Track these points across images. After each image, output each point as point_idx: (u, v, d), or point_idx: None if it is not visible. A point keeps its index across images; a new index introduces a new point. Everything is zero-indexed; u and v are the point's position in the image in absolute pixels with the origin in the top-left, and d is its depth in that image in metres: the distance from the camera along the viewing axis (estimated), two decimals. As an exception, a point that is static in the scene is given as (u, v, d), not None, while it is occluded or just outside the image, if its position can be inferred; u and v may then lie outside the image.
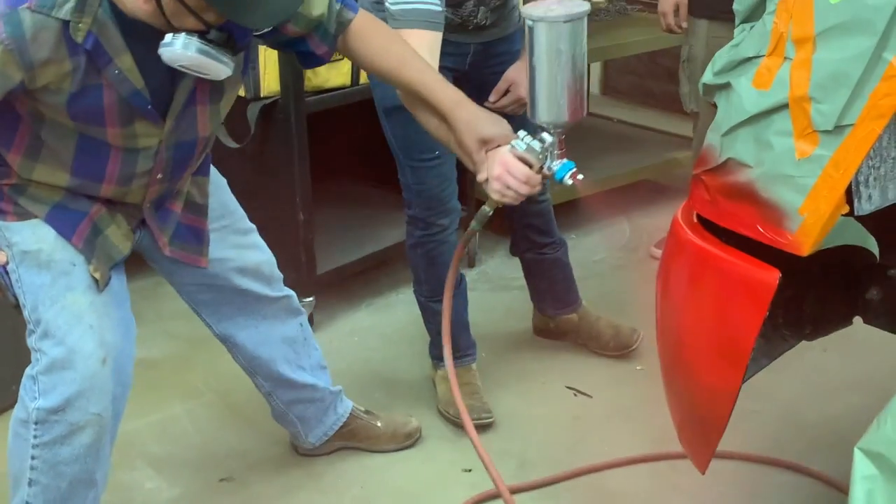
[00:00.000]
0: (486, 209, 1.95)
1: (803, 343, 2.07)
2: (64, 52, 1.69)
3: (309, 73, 2.93)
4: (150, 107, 1.84)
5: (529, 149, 1.84)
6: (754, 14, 1.67)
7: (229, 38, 1.73)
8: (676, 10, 3.20)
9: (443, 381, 2.76)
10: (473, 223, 2.01)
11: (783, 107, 1.49)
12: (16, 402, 2.67)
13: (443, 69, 2.23)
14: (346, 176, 3.72)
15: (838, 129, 1.42)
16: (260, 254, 2.29)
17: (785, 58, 1.51)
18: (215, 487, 2.47)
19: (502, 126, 1.88)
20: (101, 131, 1.83)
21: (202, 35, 1.69)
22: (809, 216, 1.47)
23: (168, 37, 1.69)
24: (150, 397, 2.81)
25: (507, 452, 2.57)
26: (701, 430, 1.83)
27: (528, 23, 1.82)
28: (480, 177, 1.89)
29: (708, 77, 1.68)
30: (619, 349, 2.96)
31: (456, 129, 1.89)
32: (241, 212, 2.28)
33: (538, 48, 1.82)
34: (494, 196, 1.88)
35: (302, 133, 2.96)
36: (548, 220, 2.89)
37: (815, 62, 1.45)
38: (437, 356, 2.78)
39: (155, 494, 2.45)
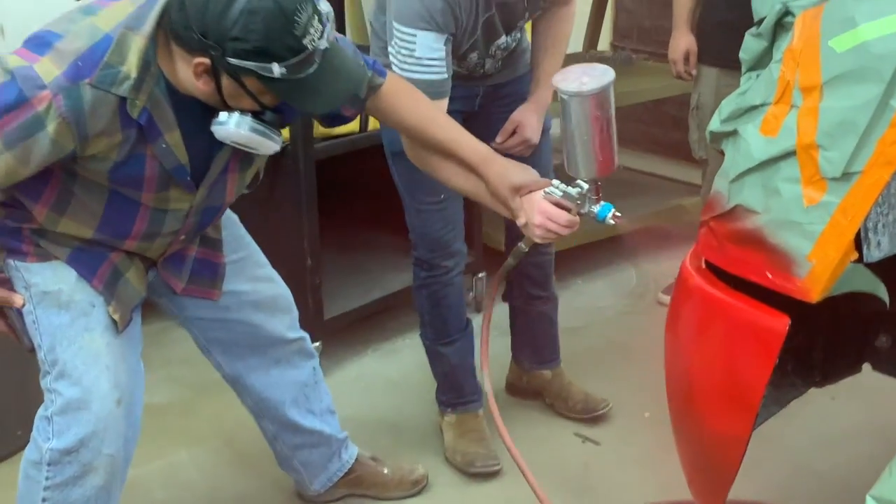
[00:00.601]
0: (523, 247, 2.09)
1: (812, 390, 2.07)
2: (117, 126, 1.73)
3: (316, 120, 2.95)
4: (188, 178, 1.88)
5: (566, 195, 1.97)
6: (761, 62, 1.69)
7: (280, 117, 1.81)
8: (687, 58, 3.22)
9: (450, 428, 2.75)
10: (510, 259, 2.14)
11: (791, 154, 1.50)
12: (20, 447, 2.70)
13: (453, 112, 2.28)
14: (354, 221, 3.72)
15: (846, 175, 1.43)
16: (276, 287, 2.30)
17: (792, 105, 1.52)
18: (220, 534, 2.46)
19: (530, 173, 2.00)
20: (136, 194, 1.87)
21: (256, 114, 1.76)
22: (818, 263, 1.48)
23: (223, 115, 1.75)
24: (155, 443, 2.80)
25: (515, 501, 2.55)
26: (711, 478, 1.82)
27: (563, 96, 1.91)
28: (520, 221, 2.00)
29: (715, 124, 1.70)
30: (586, 412, 2.91)
31: (489, 180, 2.00)
32: (255, 245, 2.29)
33: (574, 117, 1.91)
34: (537, 239, 2.02)
35: (310, 179, 2.97)
36: (546, 273, 2.88)
37: (822, 110, 1.46)
38: (443, 402, 2.77)
39: (160, 541, 2.43)
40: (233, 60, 1.64)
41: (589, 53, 4.54)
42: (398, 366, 3.23)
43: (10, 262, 1.93)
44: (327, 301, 3.12)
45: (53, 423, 1.90)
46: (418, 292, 2.70)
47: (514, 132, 2.59)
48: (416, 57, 2.25)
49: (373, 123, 3.09)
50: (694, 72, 3.24)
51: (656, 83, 4.06)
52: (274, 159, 2.92)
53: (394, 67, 2.28)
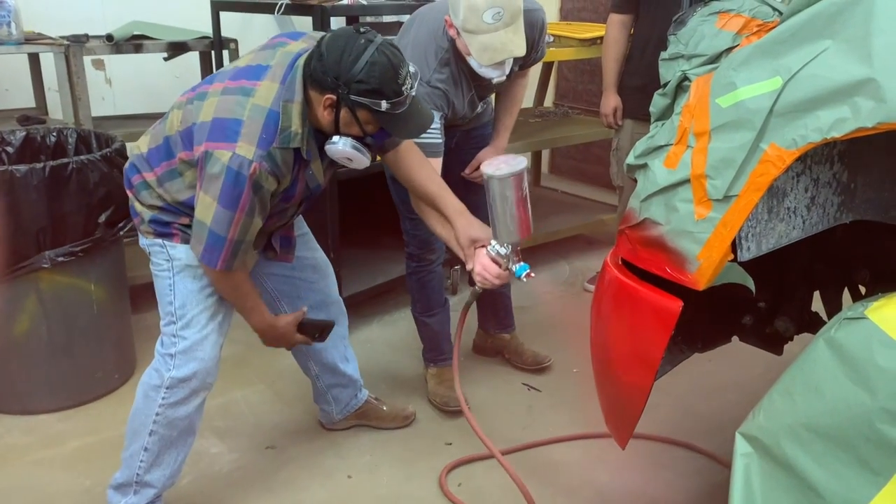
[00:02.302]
0: (477, 289, 2.03)
1: (695, 354, 2.06)
2: (291, 166, 1.82)
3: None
4: (319, 187, 1.96)
5: (498, 254, 1.93)
6: (665, 114, 1.67)
7: (373, 142, 1.88)
8: (615, 113, 3.21)
9: (431, 378, 2.72)
10: (469, 298, 2.07)
11: (686, 181, 1.49)
12: (112, 390, 2.67)
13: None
14: (365, 227, 3.70)
15: (727, 198, 1.41)
16: (324, 258, 2.33)
17: (688, 146, 1.50)
18: (263, 453, 2.42)
19: (487, 231, 1.96)
20: (283, 208, 1.95)
21: (358, 139, 1.82)
22: (705, 261, 1.46)
23: (335, 138, 1.82)
24: (216, 385, 2.73)
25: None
26: (622, 417, 1.80)
27: (485, 177, 1.85)
28: (468, 266, 2.01)
29: (631, 159, 1.68)
30: (534, 365, 2.89)
31: (456, 229, 2.02)
32: (302, 220, 2.26)
33: (493, 194, 1.85)
34: (477, 285, 2.00)
35: (334, 195, 2.94)
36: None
37: (710, 150, 1.45)
38: (428, 358, 2.75)
39: (218, 458, 2.39)
40: (354, 97, 1.73)
41: (538, 109, 4.52)
42: (396, 332, 3.20)
43: (159, 240, 1.95)
44: (345, 284, 3.08)
45: (176, 359, 1.95)
46: (409, 278, 2.67)
47: (478, 167, 2.57)
48: None
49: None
50: (621, 123, 3.23)
51: (586, 130, 4.04)
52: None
53: None
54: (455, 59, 2.25)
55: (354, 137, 1.82)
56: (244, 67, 1.86)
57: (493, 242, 1.94)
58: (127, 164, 2.00)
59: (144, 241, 2.00)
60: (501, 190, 1.84)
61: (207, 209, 1.77)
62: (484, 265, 1.95)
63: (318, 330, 2.15)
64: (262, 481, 2.29)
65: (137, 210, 1.98)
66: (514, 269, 1.93)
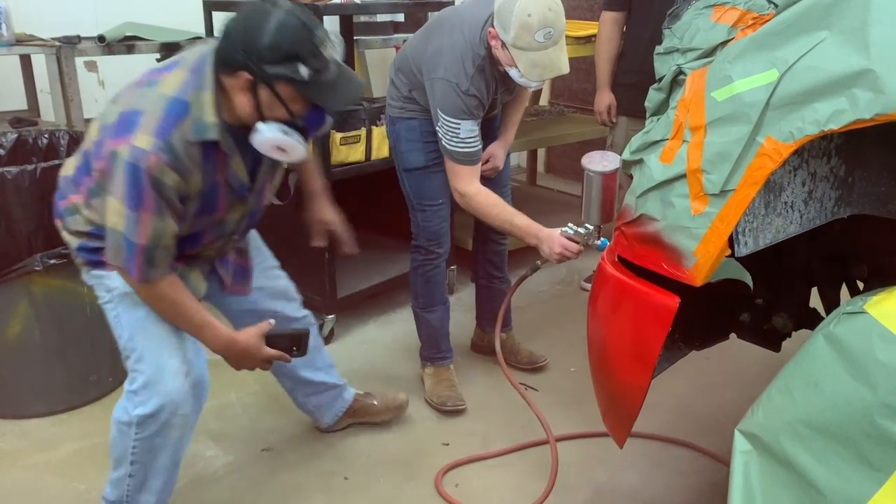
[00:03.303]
0: (539, 263, 2.27)
1: (693, 352, 2.05)
2: (200, 163, 1.67)
3: (333, 150, 2.90)
4: (246, 193, 1.82)
5: (577, 233, 2.19)
6: (660, 109, 1.65)
7: (303, 128, 1.75)
8: (609, 110, 3.21)
9: (428, 377, 2.70)
10: (528, 271, 2.28)
11: (682, 176, 1.47)
12: (106, 393, 2.63)
13: None
14: (360, 226, 3.67)
15: (723, 192, 1.39)
16: (285, 281, 2.22)
17: (683, 140, 1.48)
18: (258, 455, 2.40)
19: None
20: (210, 219, 1.81)
21: (287, 123, 1.69)
22: (701, 257, 1.44)
23: (259, 125, 1.67)
24: (211, 388, 2.72)
25: (475, 431, 2.52)
26: (620, 416, 1.79)
27: (588, 172, 2.08)
28: (543, 249, 2.24)
29: (626, 155, 1.66)
30: (530, 364, 2.88)
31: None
32: (267, 251, 2.19)
33: (594, 186, 2.09)
34: (556, 260, 2.23)
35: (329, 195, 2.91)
36: (503, 259, 2.85)
37: (706, 144, 1.43)
38: (425, 357, 2.73)
39: (213, 461, 2.37)
40: (268, 68, 1.58)
41: (533, 108, 4.51)
42: (392, 332, 3.18)
43: (94, 272, 1.82)
44: (340, 284, 3.07)
45: (137, 396, 1.81)
46: (414, 272, 2.65)
47: (486, 160, 2.61)
48: (461, 137, 2.29)
49: (375, 154, 3.04)
50: (615, 120, 3.22)
51: (581, 129, 4.04)
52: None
53: (443, 142, 2.33)
54: (489, 66, 2.29)
55: (282, 122, 1.68)
56: (160, 65, 1.74)
57: (570, 225, 2.21)
58: (56, 191, 1.86)
59: (84, 275, 1.87)
60: (601, 182, 2.07)
61: (116, 214, 1.63)
62: (564, 244, 2.19)
63: (292, 342, 1.95)
64: (257, 484, 2.26)
65: (66, 240, 1.84)
66: (597, 243, 2.18)
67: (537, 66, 2.17)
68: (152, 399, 1.80)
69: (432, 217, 2.54)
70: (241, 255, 2.06)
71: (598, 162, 2.10)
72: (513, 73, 2.22)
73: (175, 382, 1.81)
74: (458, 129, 2.28)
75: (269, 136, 1.67)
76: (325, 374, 2.38)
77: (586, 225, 2.18)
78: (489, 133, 2.64)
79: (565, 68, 2.22)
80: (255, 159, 1.80)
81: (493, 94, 2.38)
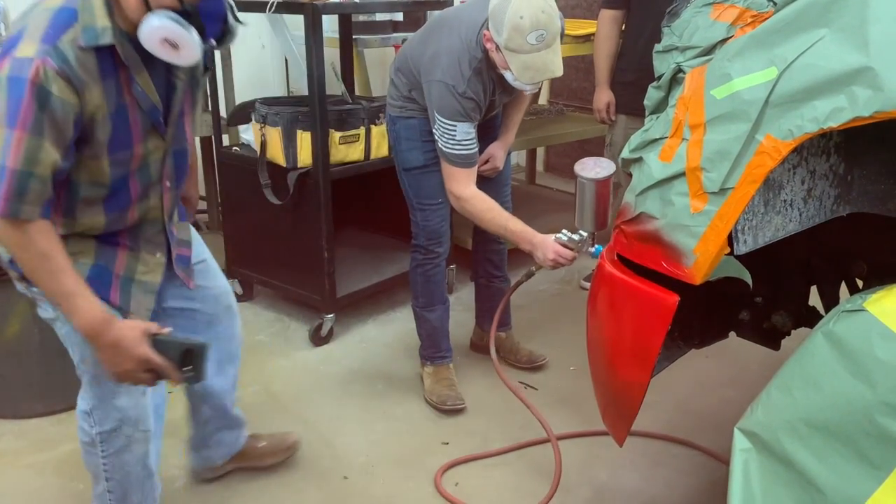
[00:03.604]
0: (534, 269, 2.31)
1: (692, 350, 2.05)
2: (98, 76, 1.48)
3: (332, 149, 2.90)
4: (161, 119, 1.61)
5: (571, 240, 2.22)
6: (660, 107, 1.65)
7: (199, 23, 1.51)
8: (608, 108, 3.21)
9: (428, 376, 2.70)
10: (523, 277, 2.34)
11: (681, 174, 1.46)
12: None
13: None
14: (359, 225, 3.68)
15: (722, 191, 1.39)
16: (226, 284, 1.99)
17: (683, 139, 1.48)
18: (258, 454, 2.40)
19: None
20: (128, 154, 1.58)
21: (178, 13, 1.47)
22: (701, 255, 1.44)
23: (146, 16, 1.46)
24: (210, 387, 2.75)
25: (475, 430, 2.52)
26: (619, 414, 1.78)
27: (581, 179, 2.12)
28: (537, 256, 2.27)
29: (626, 153, 1.65)
30: (529, 363, 2.88)
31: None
32: (210, 255, 1.96)
33: (587, 193, 2.13)
34: (549, 267, 2.26)
35: (327, 194, 2.91)
36: (502, 258, 2.85)
37: (705, 142, 1.42)
38: (424, 356, 2.73)
39: (212, 459, 2.37)
40: None
41: (532, 107, 4.50)
42: (391, 331, 3.18)
43: (34, 288, 1.59)
44: (339, 284, 3.07)
45: (93, 416, 1.74)
46: (414, 271, 2.64)
47: (486, 161, 2.62)
48: (457, 139, 2.29)
49: (374, 153, 3.04)
50: (614, 118, 3.23)
51: (580, 127, 4.05)
52: (300, 179, 2.89)
53: (439, 144, 2.33)
54: (486, 68, 2.29)
55: (172, 11, 1.46)
56: None
57: (565, 231, 2.23)
58: None
59: (21, 290, 1.66)
60: (595, 189, 2.11)
61: None
62: (558, 251, 2.22)
63: (184, 357, 1.59)
64: (256, 484, 2.26)
65: None
66: (591, 250, 2.23)
67: (529, 68, 2.16)
68: (110, 416, 1.74)
69: (432, 216, 2.54)
70: (184, 246, 1.86)
71: (591, 168, 2.11)
72: (508, 75, 2.21)
73: (132, 399, 1.73)
74: (455, 131, 2.28)
75: (156, 25, 1.45)
76: (237, 409, 2.20)
77: (580, 231, 2.21)
78: (489, 133, 2.64)
79: (558, 71, 2.20)
80: (168, 83, 1.62)
81: (490, 96, 2.38)
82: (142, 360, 1.57)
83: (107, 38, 1.47)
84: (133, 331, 1.56)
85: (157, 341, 1.58)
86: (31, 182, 1.43)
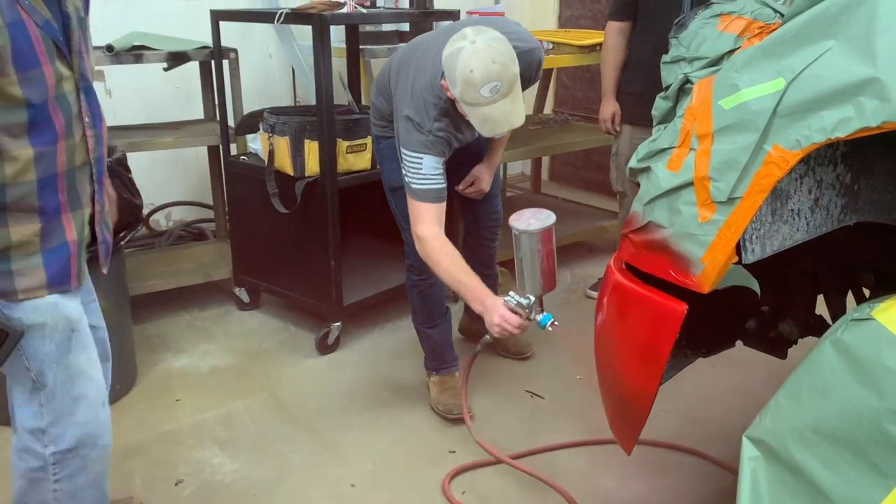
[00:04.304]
0: (488, 339, 2.22)
1: (699, 359, 2.05)
2: None
3: (340, 158, 2.92)
4: (61, 38, 1.55)
5: (519, 304, 2.03)
6: (667, 117, 1.67)
7: None
8: (613, 119, 3.23)
9: (434, 386, 2.71)
10: (479, 347, 2.28)
11: (689, 184, 1.47)
12: (113, 401, 2.28)
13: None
14: (366, 233, 3.69)
15: (730, 200, 1.40)
16: (105, 330, 1.92)
17: (691, 148, 1.49)
18: (265, 462, 2.40)
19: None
20: (39, 74, 1.51)
21: None
22: (709, 264, 1.45)
23: None
24: (218, 395, 2.76)
25: (481, 438, 2.52)
26: (627, 423, 1.79)
27: (515, 232, 1.95)
28: (486, 319, 2.10)
29: (633, 163, 1.67)
30: (517, 353, 2.90)
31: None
32: (95, 294, 1.89)
33: (523, 248, 1.96)
34: (496, 335, 2.09)
35: (335, 203, 2.93)
36: (492, 258, 2.86)
37: (713, 152, 1.44)
38: (429, 367, 2.73)
39: (220, 467, 2.38)
40: None
41: (537, 116, 4.52)
42: (398, 340, 3.18)
43: None
44: (346, 292, 3.08)
45: (48, 434, 1.65)
46: (411, 291, 2.65)
47: (472, 182, 2.63)
48: (423, 174, 2.21)
49: (381, 162, 3.06)
50: (619, 129, 3.24)
51: (585, 137, 4.05)
52: (307, 188, 2.91)
53: (406, 178, 2.24)
54: (453, 107, 2.21)
55: None
56: None
57: (512, 293, 2.04)
58: None
59: None
60: (531, 244, 1.93)
61: None
62: (503, 316, 2.03)
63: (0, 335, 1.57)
64: (264, 492, 2.27)
65: None
66: (538, 318, 2.03)
67: (487, 120, 2.07)
68: (68, 432, 1.65)
69: None
70: (106, 228, 1.80)
71: (527, 220, 1.92)
72: (472, 122, 2.14)
73: (93, 411, 1.68)
74: (421, 163, 2.20)
75: None
76: None
77: (527, 295, 2.03)
78: (472, 156, 2.62)
79: (518, 121, 2.10)
80: (62, 12, 1.58)
81: (459, 133, 2.30)
82: None
83: None
84: None
85: None
86: None
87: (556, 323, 2.03)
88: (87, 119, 1.65)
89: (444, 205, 2.26)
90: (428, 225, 2.22)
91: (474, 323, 2.95)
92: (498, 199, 2.78)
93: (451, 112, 2.23)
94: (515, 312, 2.04)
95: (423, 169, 2.21)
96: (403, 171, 2.26)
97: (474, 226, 2.80)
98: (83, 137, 1.66)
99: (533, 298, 2.02)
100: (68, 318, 1.65)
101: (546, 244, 1.94)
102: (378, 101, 2.48)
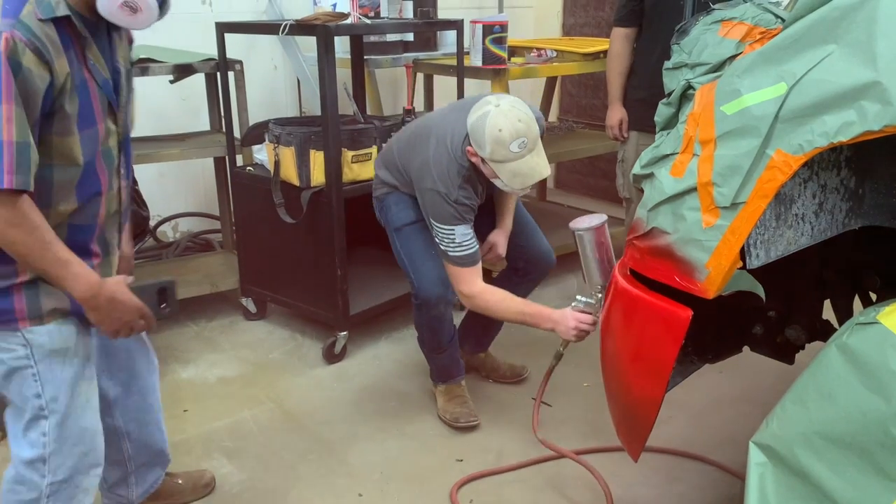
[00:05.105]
0: (561, 350, 2.28)
1: (706, 365, 2.05)
2: (60, 48, 1.48)
3: (345, 168, 2.93)
4: (114, 95, 1.63)
5: (588, 304, 2.22)
6: (670, 123, 1.67)
7: None
8: (620, 125, 3.23)
9: (441, 395, 2.70)
10: (553, 361, 2.30)
11: (693, 189, 1.48)
12: None
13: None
14: (371, 243, 3.69)
15: (734, 205, 1.40)
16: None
17: (694, 154, 1.49)
18: (272, 472, 2.40)
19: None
20: (95, 132, 1.59)
21: None
22: (713, 270, 1.45)
23: None
24: (225, 405, 2.76)
25: (489, 447, 2.52)
26: (634, 429, 1.79)
27: (577, 233, 2.11)
28: (557, 329, 2.26)
29: (637, 169, 1.67)
30: (513, 377, 2.88)
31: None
32: None
33: (588, 245, 2.12)
34: (572, 339, 2.23)
35: (340, 212, 2.94)
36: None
37: (716, 157, 1.44)
38: (435, 379, 2.72)
39: (228, 477, 2.38)
40: None
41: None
42: (404, 349, 3.18)
43: (5, 332, 1.57)
44: (352, 301, 3.08)
45: (50, 462, 1.65)
46: (420, 326, 2.61)
47: (489, 250, 2.64)
48: (457, 242, 2.34)
49: (386, 172, 3.06)
50: (626, 135, 3.25)
51: (591, 144, 4.05)
52: (313, 198, 2.92)
53: (441, 247, 2.37)
54: (474, 174, 2.36)
55: None
56: None
57: (579, 297, 2.23)
58: None
59: None
60: (591, 240, 2.10)
61: None
62: (577, 318, 2.21)
63: (159, 296, 1.69)
64: (272, 501, 2.27)
65: None
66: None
67: (518, 174, 2.22)
68: (67, 462, 1.66)
69: (426, 272, 2.50)
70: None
71: (584, 221, 2.13)
72: (498, 183, 2.28)
73: (94, 441, 1.71)
74: (453, 234, 2.33)
75: None
76: (165, 438, 2.08)
77: (592, 291, 2.19)
78: (483, 210, 2.59)
79: (546, 171, 2.27)
80: (114, 68, 1.64)
81: (482, 196, 2.45)
82: (137, 309, 1.64)
83: (62, 10, 1.47)
84: (119, 285, 1.62)
85: (133, 289, 1.65)
86: (29, 152, 1.43)
87: None
88: (122, 171, 1.72)
89: (480, 264, 2.40)
90: (471, 284, 2.37)
91: (465, 354, 2.87)
92: (532, 227, 2.76)
93: (472, 178, 2.36)
94: (585, 312, 2.21)
95: (457, 238, 2.34)
96: (437, 241, 2.38)
97: (529, 267, 2.75)
98: (119, 189, 1.72)
99: (599, 296, 2.18)
100: (87, 345, 1.68)
101: (604, 237, 2.11)
102: (382, 172, 2.59)
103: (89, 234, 1.65)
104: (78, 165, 1.57)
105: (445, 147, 2.35)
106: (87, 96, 1.55)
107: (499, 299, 2.37)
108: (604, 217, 2.13)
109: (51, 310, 1.60)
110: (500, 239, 2.65)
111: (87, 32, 1.54)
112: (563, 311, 2.24)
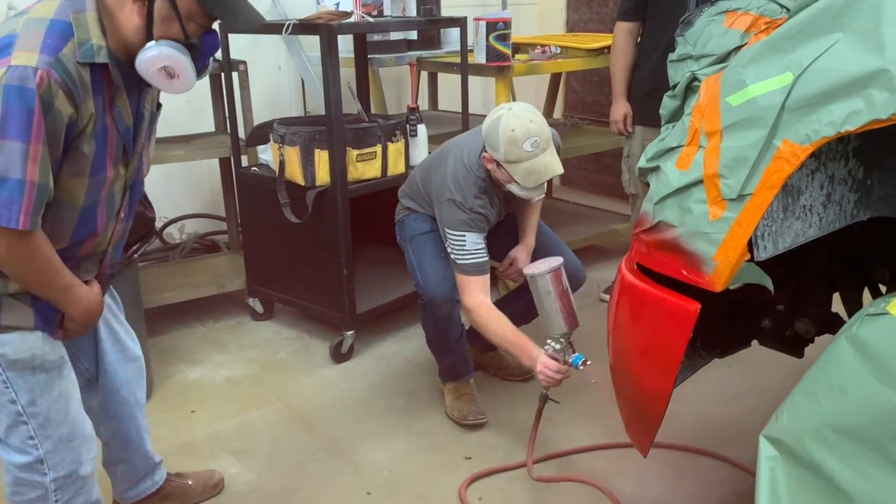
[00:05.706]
0: (544, 392, 2.30)
1: (714, 360, 2.03)
2: (90, 92, 1.48)
3: (350, 167, 2.92)
4: (131, 142, 1.62)
5: (555, 350, 2.23)
6: (675, 116, 1.66)
7: (194, 55, 1.57)
8: (625, 120, 3.22)
9: (449, 393, 2.70)
10: (540, 403, 2.31)
11: (699, 182, 1.46)
12: None
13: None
14: (377, 242, 3.69)
15: (741, 197, 1.39)
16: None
17: (700, 146, 1.48)
18: (281, 472, 2.40)
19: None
20: (103, 178, 1.57)
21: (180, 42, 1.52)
22: (721, 262, 1.43)
23: (149, 44, 1.49)
24: (233, 406, 2.76)
25: (497, 444, 2.51)
26: (643, 425, 1.77)
27: (528, 277, 2.17)
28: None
29: (642, 162, 1.66)
30: (521, 375, 2.87)
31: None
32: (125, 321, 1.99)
33: (537, 292, 2.16)
34: (542, 383, 2.26)
35: (345, 211, 2.93)
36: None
37: (722, 149, 1.43)
38: (443, 377, 2.72)
39: (237, 477, 2.37)
40: None
41: (548, 120, 4.51)
42: (411, 347, 3.18)
43: None
44: (359, 300, 3.08)
45: (46, 462, 1.65)
46: (426, 326, 2.62)
47: (510, 264, 2.68)
48: (467, 249, 2.39)
49: (391, 170, 3.06)
50: (630, 130, 3.23)
51: (596, 140, 4.04)
52: (318, 197, 2.91)
53: (452, 257, 2.41)
54: (491, 186, 2.43)
55: (175, 41, 1.50)
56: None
57: (549, 341, 2.23)
58: None
59: None
60: (543, 287, 2.13)
61: None
62: (544, 363, 2.22)
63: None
64: (281, 501, 2.27)
65: None
66: (570, 360, 2.21)
67: (532, 172, 2.27)
68: (67, 457, 1.67)
69: (432, 272, 2.52)
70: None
71: (538, 266, 2.16)
72: (514, 188, 2.33)
73: (85, 435, 1.71)
74: (464, 240, 2.38)
75: (162, 54, 1.48)
76: (148, 443, 2.09)
77: (558, 338, 2.21)
78: (505, 230, 2.68)
79: (559, 169, 2.32)
80: (138, 113, 1.64)
81: (498, 210, 2.51)
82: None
83: (102, 57, 1.48)
84: (102, 303, 1.72)
85: None
86: (45, 195, 1.44)
87: (588, 362, 2.20)
88: (122, 215, 1.70)
89: (487, 276, 2.43)
90: (474, 296, 2.40)
91: (474, 351, 2.85)
92: (558, 242, 2.78)
93: (489, 190, 2.43)
94: (554, 359, 2.22)
95: (467, 245, 2.38)
96: (449, 249, 2.43)
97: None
98: (113, 231, 1.70)
99: (563, 342, 2.21)
100: (58, 353, 1.65)
101: (557, 285, 2.14)
102: (405, 200, 2.68)
103: (65, 261, 1.60)
104: (77, 208, 1.56)
105: (462, 162, 2.43)
106: (104, 142, 1.55)
107: (493, 318, 2.39)
108: (559, 260, 2.17)
109: (9, 324, 1.57)
110: (521, 254, 2.68)
111: (121, 80, 1.54)
112: (540, 352, 2.25)
